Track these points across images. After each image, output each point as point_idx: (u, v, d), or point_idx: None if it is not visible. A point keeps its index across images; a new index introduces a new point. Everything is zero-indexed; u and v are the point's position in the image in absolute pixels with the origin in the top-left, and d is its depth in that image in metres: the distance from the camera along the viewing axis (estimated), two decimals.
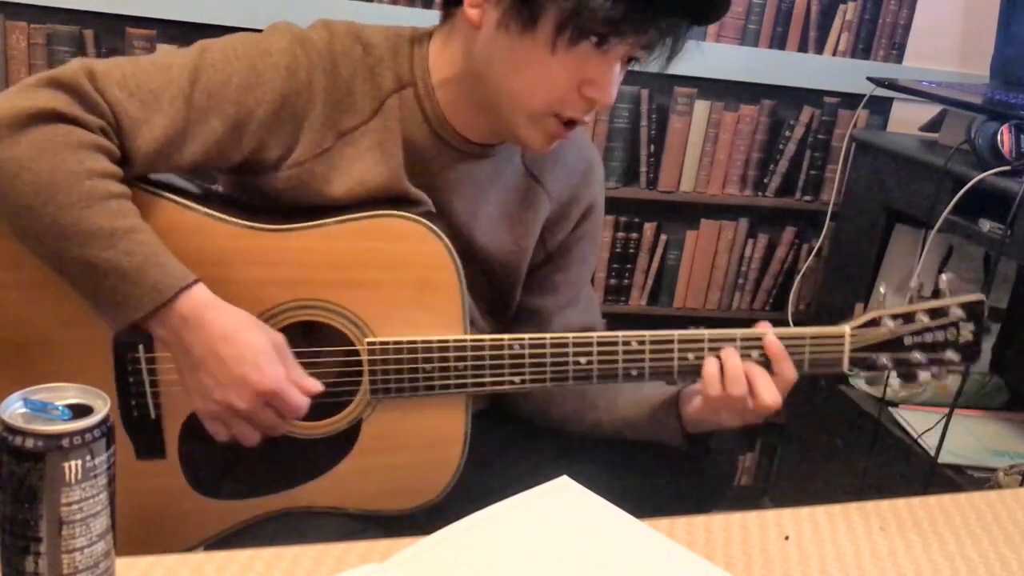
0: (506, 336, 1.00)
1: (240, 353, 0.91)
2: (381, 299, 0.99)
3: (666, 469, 1.13)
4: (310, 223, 0.98)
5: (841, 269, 2.09)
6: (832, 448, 2.02)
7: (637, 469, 1.12)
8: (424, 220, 0.99)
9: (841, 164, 2.12)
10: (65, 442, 0.61)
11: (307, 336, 1.02)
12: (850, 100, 2.10)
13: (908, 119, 2.14)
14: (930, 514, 0.98)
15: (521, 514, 0.83)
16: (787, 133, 2.12)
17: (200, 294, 0.91)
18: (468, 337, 1.00)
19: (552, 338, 1.01)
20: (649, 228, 2.10)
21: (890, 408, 1.87)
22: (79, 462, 0.62)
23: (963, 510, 0.99)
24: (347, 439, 1.02)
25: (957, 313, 1.04)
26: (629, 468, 1.12)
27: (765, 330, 1.03)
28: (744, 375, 1.00)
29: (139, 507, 0.98)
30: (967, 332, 1.04)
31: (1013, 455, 1.75)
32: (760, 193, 2.15)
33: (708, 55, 2.00)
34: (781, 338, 1.02)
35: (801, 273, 2.18)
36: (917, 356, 1.04)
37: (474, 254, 1.10)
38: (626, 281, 2.12)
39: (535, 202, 1.13)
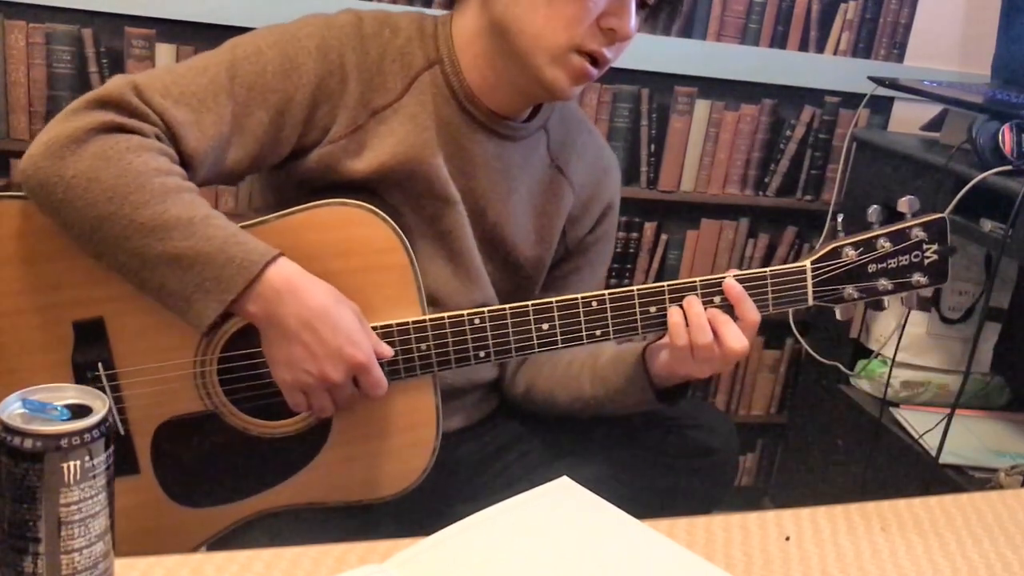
0: (465, 311, 1.00)
1: (335, 325, 0.91)
2: (336, 288, 0.97)
3: (666, 469, 1.13)
4: (260, 219, 0.97)
5: None
6: (833, 448, 2.02)
7: (637, 469, 1.12)
8: (367, 205, 0.98)
9: (842, 164, 2.12)
10: (64, 442, 0.61)
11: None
12: (851, 100, 2.10)
13: (909, 119, 2.13)
14: (931, 514, 0.98)
15: (521, 514, 0.83)
16: (788, 133, 2.11)
17: (286, 266, 0.91)
18: (428, 318, 0.99)
19: (512, 307, 1.00)
20: (649, 228, 2.10)
21: (891, 408, 1.87)
22: (78, 462, 0.62)
23: (964, 511, 0.99)
24: (319, 434, 1.01)
25: (919, 234, 1.02)
26: (629, 468, 1.12)
27: (725, 275, 1.01)
28: (708, 322, 0.98)
29: (121, 525, 0.98)
30: (931, 252, 1.03)
31: (1014, 455, 1.75)
32: (761, 193, 2.14)
33: (709, 54, 2.00)
34: (741, 281, 1.01)
35: None
36: (884, 283, 1.02)
37: (499, 243, 1.11)
38: (626, 281, 2.12)
39: (560, 194, 1.14)
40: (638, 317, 1.01)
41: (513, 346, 1.01)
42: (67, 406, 0.64)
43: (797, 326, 2.14)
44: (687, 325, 0.99)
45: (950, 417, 1.62)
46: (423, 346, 0.99)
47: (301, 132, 1.01)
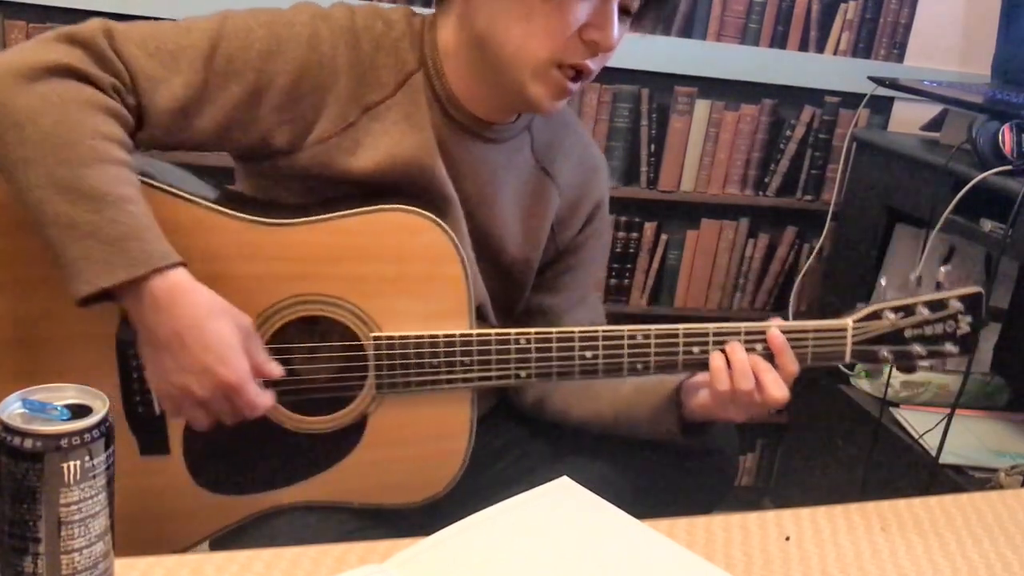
0: (512, 330, 1.00)
1: (207, 343, 0.89)
2: (387, 293, 0.98)
3: (667, 469, 1.13)
4: (314, 218, 0.97)
5: (842, 269, 2.08)
6: (833, 448, 2.02)
7: (637, 469, 1.12)
8: (429, 214, 0.98)
9: (842, 164, 2.12)
10: (64, 442, 0.61)
11: (312, 331, 1.02)
12: (851, 99, 2.10)
13: (909, 119, 2.14)
14: (931, 514, 0.98)
15: (521, 514, 0.83)
16: (788, 133, 2.11)
17: (176, 277, 0.89)
18: (474, 332, 1.00)
19: (558, 332, 1.01)
20: (649, 228, 2.10)
21: (891, 408, 1.87)
22: (78, 462, 0.62)
23: (964, 510, 0.99)
24: (353, 434, 1.02)
25: (956, 306, 1.05)
26: (629, 468, 1.12)
27: (768, 323, 1.02)
28: (751, 369, 1.00)
29: (144, 504, 0.98)
30: (965, 324, 1.06)
31: (1014, 455, 1.75)
32: (761, 193, 2.14)
33: (709, 54, 2.00)
34: (784, 332, 1.02)
35: (802, 273, 2.18)
36: (917, 348, 1.06)
37: (487, 245, 1.10)
38: (626, 281, 2.12)
39: (546, 196, 1.14)
40: (680, 356, 1.02)
41: (555, 370, 1.02)
42: (67, 406, 0.64)
43: None
44: (729, 370, 1.00)
45: (950, 417, 1.62)
46: (467, 360, 1.00)
47: (279, 119, 0.98)
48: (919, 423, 1.80)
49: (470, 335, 0.99)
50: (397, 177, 1.02)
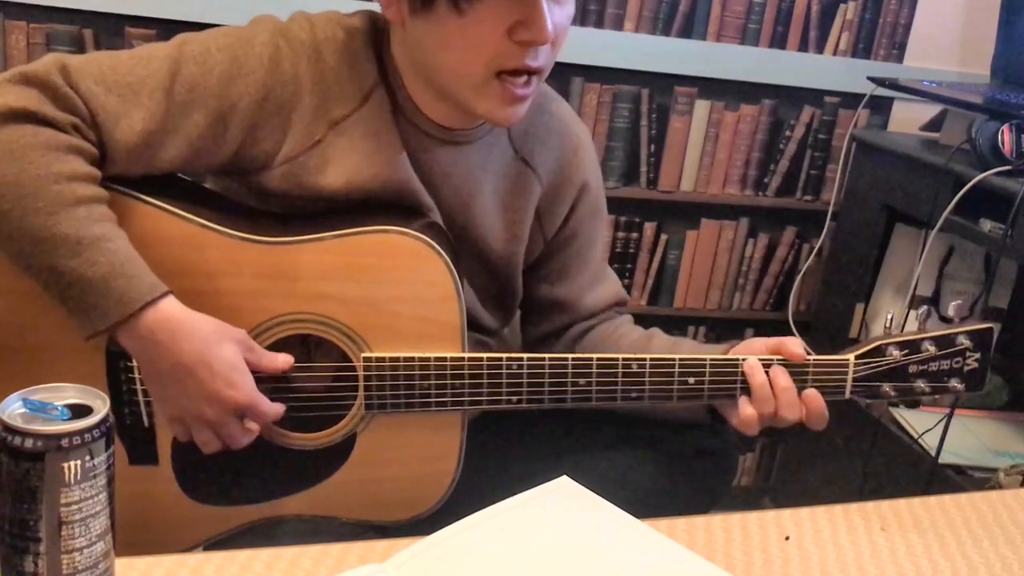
0: (504, 355, 1.00)
1: (212, 370, 0.90)
2: (379, 315, 0.98)
3: (666, 469, 1.13)
4: (309, 236, 0.97)
5: (841, 269, 2.09)
6: (832, 448, 2.02)
7: (637, 469, 1.12)
8: (425, 237, 0.98)
9: (841, 164, 2.12)
10: (64, 442, 0.61)
11: (302, 349, 1.02)
12: (851, 100, 2.10)
13: (909, 119, 2.14)
14: (931, 514, 0.98)
15: (521, 514, 0.83)
16: (787, 133, 2.11)
17: (168, 308, 0.89)
18: (466, 355, 1.00)
19: (551, 358, 1.01)
20: (649, 228, 2.10)
21: (891, 408, 1.87)
22: (78, 462, 0.62)
23: (964, 510, 0.99)
24: (341, 451, 1.01)
25: (964, 342, 1.03)
26: (629, 468, 1.12)
27: (771, 358, 1.02)
28: (796, 399, 1.00)
29: (131, 512, 0.97)
30: (973, 361, 1.04)
31: (1014, 455, 1.75)
32: (760, 193, 2.14)
33: (708, 54, 2.00)
34: (784, 366, 1.01)
35: (801, 273, 2.18)
36: (921, 385, 1.03)
37: (470, 245, 1.10)
38: (626, 281, 2.12)
39: (527, 188, 1.12)
40: (675, 386, 1.02)
41: (547, 396, 1.02)
42: (67, 406, 0.64)
43: (797, 326, 2.14)
44: (772, 393, 1.00)
45: (950, 417, 1.62)
46: (457, 383, 0.99)
47: (242, 143, 0.97)
48: (918, 423, 1.80)
49: (461, 358, 0.99)
50: (369, 195, 1.01)
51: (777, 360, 1.01)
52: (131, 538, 0.98)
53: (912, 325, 1.88)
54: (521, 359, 1.00)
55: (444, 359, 0.99)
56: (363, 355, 0.98)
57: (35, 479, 0.61)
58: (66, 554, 0.63)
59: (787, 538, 0.91)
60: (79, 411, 0.64)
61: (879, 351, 1.03)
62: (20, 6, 1.62)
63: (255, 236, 0.96)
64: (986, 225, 1.63)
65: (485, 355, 1.00)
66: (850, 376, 1.02)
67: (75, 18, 1.64)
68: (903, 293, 1.92)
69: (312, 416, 1.00)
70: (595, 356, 1.01)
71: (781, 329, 2.20)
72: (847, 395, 1.03)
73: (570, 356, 1.01)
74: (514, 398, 1.01)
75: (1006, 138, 1.61)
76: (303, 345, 1.02)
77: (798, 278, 2.18)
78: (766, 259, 2.19)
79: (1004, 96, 1.82)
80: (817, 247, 2.16)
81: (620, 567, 0.79)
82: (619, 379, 1.01)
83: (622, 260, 2.10)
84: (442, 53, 0.95)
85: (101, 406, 0.64)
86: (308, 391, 1.00)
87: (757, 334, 2.25)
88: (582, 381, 1.01)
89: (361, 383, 0.99)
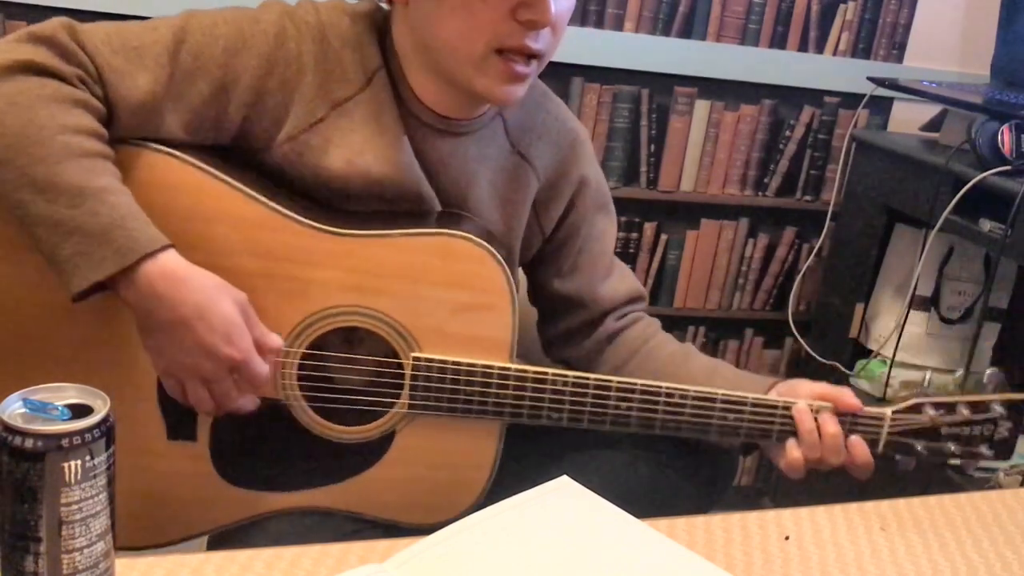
0: (550, 370, 1.01)
1: (211, 324, 0.90)
2: (433, 316, 0.99)
3: (666, 469, 1.13)
4: (376, 232, 0.98)
5: (841, 269, 2.09)
6: None
7: (637, 469, 1.12)
8: (488, 246, 0.99)
9: (841, 164, 2.12)
10: (65, 442, 0.61)
11: (353, 341, 1.02)
12: (850, 100, 2.10)
13: (908, 119, 2.14)
14: (930, 514, 0.98)
15: (521, 514, 0.83)
16: (787, 133, 2.11)
17: (169, 260, 0.89)
18: (513, 366, 1.00)
19: (595, 379, 1.01)
20: (649, 228, 2.10)
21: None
22: (79, 462, 0.62)
23: (963, 510, 0.99)
24: (378, 448, 1.02)
25: (998, 410, 1.05)
26: (629, 468, 1.12)
27: (821, 404, 1.03)
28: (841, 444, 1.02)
29: (163, 486, 0.99)
30: (1004, 429, 1.05)
31: (1014, 455, 1.75)
32: (760, 193, 2.14)
33: (708, 55, 2.00)
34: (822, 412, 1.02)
35: (801, 273, 2.18)
36: (950, 447, 1.04)
37: None
38: None
39: (524, 181, 1.13)
40: (715, 421, 1.03)
41: (587, 416, 1.02)
42: (68, 406, 0.64)
43: (796, 326, 2.14)
44: (819, 438, 1.02)
45: None
46: (502, 392, 1.00)
47: (248, 115, 0.98)
48: None
49: (508, 369, 1.00)
50: (371, 180, 1.02)
51: (819, 405, 1.03)
52: (157, 512, 0.99)
53: (912, 327, 1.89)
54: (566, 377, 1.01)
55: (491, 368, 1.00)
56: (413, 354, 0.99)
57: (35, 479, 0.61)
58: (66, 554, 0.63)
59: (787, 538, 0.91)
60: (79, 411, 0.64)
61: (916, 409, 1.04)
62: (20, 6, 1.62)
63: (323, 226, 0.97)
64: (986, 225, 1.63)
65: (531, 368, 1.00)
66: (885, 430, 1.03)
67: (75, 18, 1.64)
68: (903, 293, 1.92)
69: (354, 410, 1.00)
70: (639, 382, 1.02)
71: (781, 329, 2.20)
72: (880, 449, 1.04)
73: (615, 380, 1.02)
74: (555, 415, 1.02)
75: (1006, 138, 1.61)
76: (351, 337, 1.02)
77: (798, 278, 2.18)
78: (766, 259, 2.20)
79: (1004, 96, 1.82)
80: (817, 247, 2.16)
81: (620, 567, 0.79)
82: (660, 407, 1.02)
83: (622, 260, 2.09)
84: (444, 29, 0.96)
85: (101, 406, 0.64)
86: (354, 383, 1.01)
87: (757, 334, 2.25)
88: (623, 406, 1.02)
89: (407, 382, 0.99)
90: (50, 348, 0.96)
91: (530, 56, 0.97)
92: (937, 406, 1.04)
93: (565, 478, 0.89)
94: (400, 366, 1.00)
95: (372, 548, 0.82)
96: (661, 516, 0.90)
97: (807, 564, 0.87)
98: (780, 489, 2.27)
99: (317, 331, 0.98)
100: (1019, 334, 1.98)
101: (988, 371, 1.09)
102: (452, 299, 0.99)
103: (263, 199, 0.96)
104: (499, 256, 1.00)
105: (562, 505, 0.86)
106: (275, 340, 0.95)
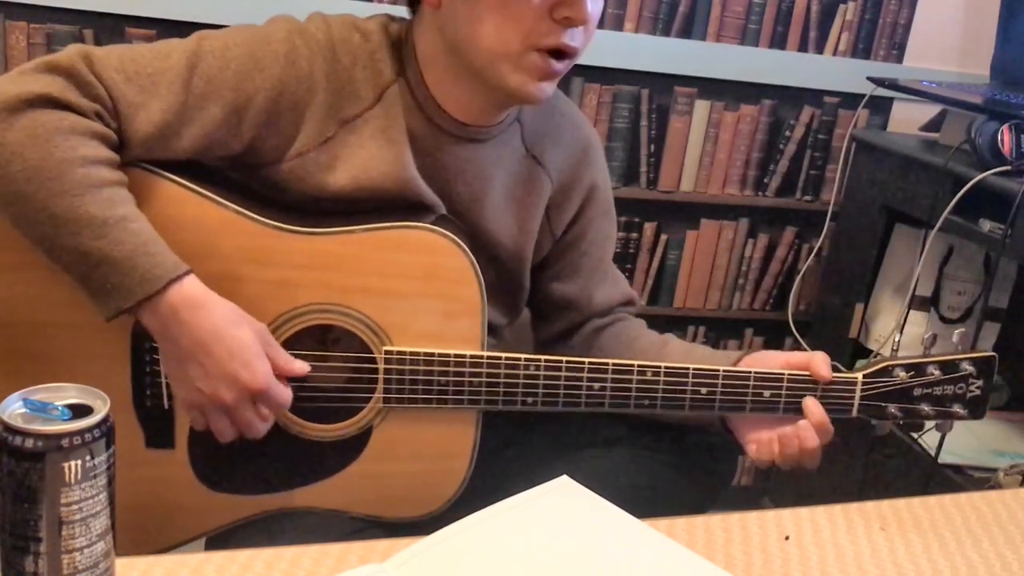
0: (522, 356, 1.01)
1: (230, 349, 0.91)
2: (403, 309, 0.99)
3: (665, 468, 1.13)
4: (339, 228, 0.98)
5: (841, 269, 2.09)
6: (832, 448, 2.02)
7: (637, 469, 1.12)
8: (452, 235, 0.99)
9: (841, 164, 2.12)
10: (65, 442, 0.61)
11: (324, 339, 1.02)
12: (850, 100, 2.10)
13: (908, 119, 2.14)
14: (930, 514, 0.98)
15: (521, 514, 0.83)
16: (787, 133, 2.11)
17: (190, 286, 0.91)
18: (485, 354, 1.01)
19: (568, 361, 1.02)
20: (649, 228, 2.10)
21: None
22: (79, 462, 0.62)
23: (963, 510, 0.99)
24: (356, 444, 1.02)
25: (968, 368, 1.05)
26: (629, 467, 1.12)
27: (782, 372, 1.03)
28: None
29: (144, 496, 0.99)
30: (975, 388, 1.06)
31: (1013, 455, 1.75)
32: (760, 193, 2.14)
33: (708, 55, 2.00)
34: (792, 380, 1.03)
35: (801, 273, 2.18)
36: (925, 408, 1.05)
37: (480, 240, 1.11)
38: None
39: (538, 185, 1.14)
40: (688, 395, 1.03)
41: (561, 399, 1.03)
42: (68, 406, 0.64)
43: (796, 326, 2.14)
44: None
45: None
46: (475, 381, 1.01)
47: (255, 136, 0.99)
48: None
49: (480, 356, 1.00)
50: (374, 193, 1.02)
51: (788, 374, 1.03)
52: (141, 522, 0.99)
53: (912, 327, 1.89)
54: (539, 361, 1.01)
55: (464, 356, 1.00)
56: (384, 348, 0.99)
57: (35, 479, 0.61)
58: (66, 554, 0.63)
59: (787, 538, 0.91)
60: (79, 411, 0.64)
61: (886, 372, 1.04)
62: (20, 6, 1.62)
63: (285, 225, 0.97)
64: (986, 225, 1.63)
65: (504, 355, 1.01)
66: (858, 394, 1.04)
67: (75, 18, 1.64)
68: (903, 293, 1.92)
69: (329, 407, 1.00)
70: (611, 361, 1.03)
71: (780, 329, 2.20)
72: (854, 413, 1.05)
73: (587, 360, 1.02)
74: (529, 399, 1.02)
75: (1006, 138, 1.61)
76: (322, 336, 1.02)
77: (798, 278, 2.18)
78: (766, 259, 2.19)
79: (1004, 96, 1.82)
80: (817, 247, 2.16)
81: (620, 567, 0.79)
82: (633, 386, 1.03)
83: (622, 260, 2.10)
84: (480, 27, 0.96)
85: (101, 406, 0.64)
86: (328, 381, 1.01)
87: (757, 334, 2.25)
88: (596, 386, 1.02)
89: (381, 376, 1.00)
90: (18, 363, 0.96)
91: (562, 54, 0.98)
92: (907, 367, 1.04)
93: (565, 478, 0.89)
94: (373, 361, 1.00)
95: (372, 548, 0.82)
96: (661, 516, 0.90)
97: (807, 564, 0.87)
98: (780, 489, 2.27)
99: (288, 331, 0.98)
100: (1019, 334, 1.98)
101: (957, 331, 1.09)
102: (420, 291, 1.00)
103: (222, 201, 0.96)
104: (464, 246, 1.00)
105: (562, 505, 0.86)
106: (301, 367, 0.97)
